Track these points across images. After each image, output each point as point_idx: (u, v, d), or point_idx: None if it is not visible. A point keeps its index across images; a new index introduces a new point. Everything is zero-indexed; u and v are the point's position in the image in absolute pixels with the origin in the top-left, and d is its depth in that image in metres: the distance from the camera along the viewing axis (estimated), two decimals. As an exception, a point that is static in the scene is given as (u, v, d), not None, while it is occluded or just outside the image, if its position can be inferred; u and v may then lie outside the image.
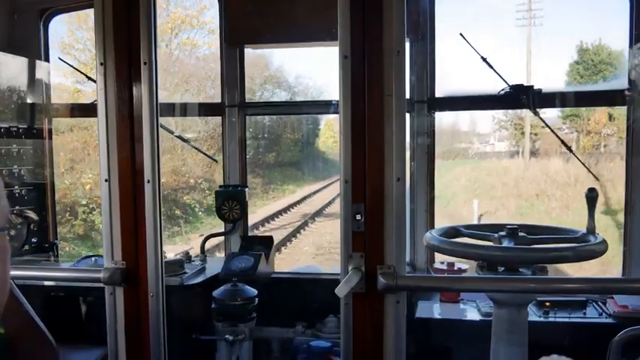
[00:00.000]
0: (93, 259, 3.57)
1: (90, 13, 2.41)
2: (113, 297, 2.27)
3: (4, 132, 3.77)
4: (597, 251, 2.41)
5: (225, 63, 3.95)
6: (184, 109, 4.83)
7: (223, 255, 4.07)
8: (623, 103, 3.47)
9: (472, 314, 3.26)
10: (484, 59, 3.64)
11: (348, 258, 2.08)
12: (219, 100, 3.99)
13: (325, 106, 4.19)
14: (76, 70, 4.07)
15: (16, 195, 3.80)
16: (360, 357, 2.13)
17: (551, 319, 3.12)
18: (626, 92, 3.37)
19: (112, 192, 2.28)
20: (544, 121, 3.95)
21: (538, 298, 3.15)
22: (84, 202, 12.12)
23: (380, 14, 2.08)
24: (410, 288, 2.14)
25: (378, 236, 2.08)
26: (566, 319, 3.11)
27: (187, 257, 3.63)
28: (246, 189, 3.82)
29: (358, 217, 2.08)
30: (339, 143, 2.14)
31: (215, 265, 3.61)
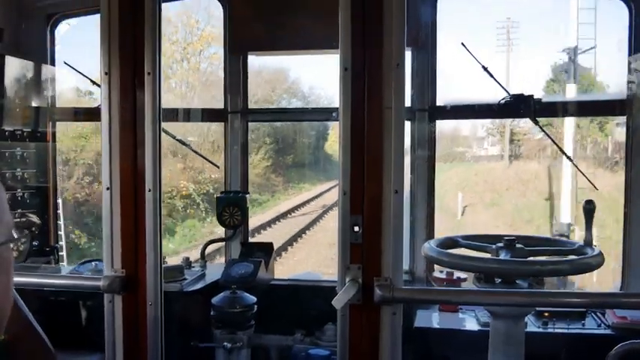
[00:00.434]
0: (93, 263, 3.59)
1: (96, 18, 2.44)
2: (112, 304, 2.29)
3: (9, 135, 3.80)
4: (594, 264, 2.41)
5: (228, 70, 3.98)
6: (187, 115, 4.87)
7: (223, 260, 4.09)
8: (622, 113, 3.48)
9: (471, 324, 3.27)
10: (485, 68, 3.65)
11: (346, 269, 2.09)
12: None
13: (326, 113, 4.21)
14: (82, 74, 4.10)
15: (19, 198, 3.83)
16: (356, 368, 2.14)
17: (549, 330, 3.12)
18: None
19: (114, 200, 2.30)
20: (544, 130, 3.95)
21: (537, 309, 3.16)
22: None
23: (380, 27, 2.10)
24: (406, 300, 2.15)
25: (376, 248, 2.09)
26: (565, 330, 3.12)
27: (187, 263, 3.65)
28: (247, 195, 3.84)
29: (356, 228, 2.10)
30: (338, 154, 2.16)
31: (215, 271, 3.63)
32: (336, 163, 2.19)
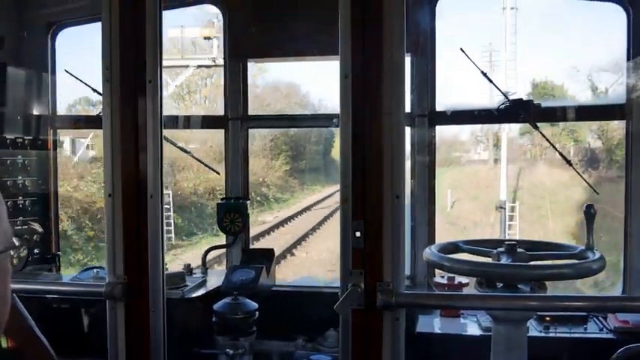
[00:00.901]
0: (95, 270, 3.59)
1: (96, 27, 2.46)
2: (114, 311, 2.29)
3: (10, 143, 3.81)
4: (595, 268, 2.42)
5: (228, 76, 4.00)
6: (188, 122, 4.88)
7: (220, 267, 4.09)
8: (622, 117, 3.49)
9: (472, 329, 3.26)
10: (484, 74, 3.68)
11: (348, 275, 2.10)
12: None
13: (326, 120, 4.23)
14: (83, 83, 4.12)
15: (20, 206, 3.83)
16: (359, 373, 2.14)
17: (551, 334, 3.12)
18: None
19: (116, 206, 2.31)
20: (544, 135, 3.97)
21: (539, 313, 3.16)
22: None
23: (380, 34, 2.11)
24: (408, 305, 2.16)
25: (378, 253, 2.10)
26: (567, 335, 3.11)
27: (189, 270, 3.65)
28: (248, 202, 3.85)
29: (358, 234, 2.10)
30: (339, 160, 2.17)
31: (216, 277, 3.63)
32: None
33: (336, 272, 2.14)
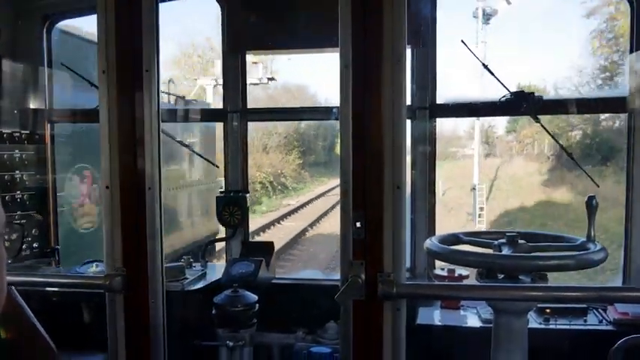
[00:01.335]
0: (94, 264, 3.58)
1: (94, 18, 2.43)
2: (114, 303, 2.28)
3: (7, 137, 3.78)
4: (596, 259, 2.41)
5: (227, 69, 3.97)
6: (187, 115, 4.86)
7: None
8: (624, 110, 3.47)
9: (473, 321, 3.26)
10: (485, 66, 3.65)
11: (349, 265, 2.09)
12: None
13: (325, 113, 4.21)
14: (79, 75, 4.08)
15: (18, 200, 3.81)
16: (359, 364, 2.13)
17: (551, 326, 3.11)
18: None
19: (114, 199, 2.29)
20: (545, 128, 3.95)
21: (538, 305, 3.15)
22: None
23: (380, 24, 2.09)
24: (409, 295, 2.15)
25: (378, 244, 2.09)
26: (567, 326, 3.11)
27: (188, 263, 3.64)
28: (247, 195, 3.83)
29: (358, 224, 2.09)
30: (339, 151, 2.15)
31: (215, 270, 3.63)
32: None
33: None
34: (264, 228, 15.94)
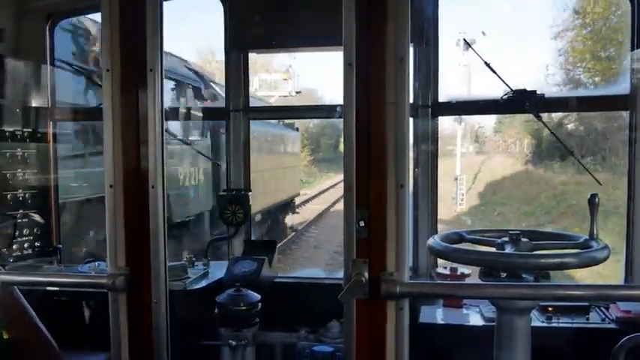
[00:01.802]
0: (96, 263, 3.59)
1: (96, 17, 2.44)
2: (117, 303, 2.28)
3: (9, 136, 3.79)
4: (599, 257, 2.41)
5: (230, 68, 3.97)
6: (189, 114, 4.86)
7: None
8: (625, 108, 3.47)
9: (475, 319, 3.26)
10: (487, 64, 3.65)
11: (352, 264, 2.09)
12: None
13: (328, 111, 4.21)
14: (82, 73, 4.09)
15: (20, 199, 3.82)
16: (362, 363, 2.13)
17: (554, 325, 3.12)
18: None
19: (117, 198, 2.29)
20: (546, 126, 3.96)
21: (541, 304, 3.15)
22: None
23: (384, 22, 2.09)
24: (412, 294, 2.14)
25: (381, 243, 2.09)
26: (569, 325, 3.11)
27: (190, 262, 3.64)
28: (250, 193, 3.83)
29: (362, 223, 2.09)
30: (343, 149, 2.15)
31: (218, 269, 3.63)
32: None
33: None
34: (298, 207, 19.28)
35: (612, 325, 3.08)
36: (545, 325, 3.11)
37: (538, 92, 3.45)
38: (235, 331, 3.17)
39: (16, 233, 3.69)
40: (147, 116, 2.27)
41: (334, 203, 22.18)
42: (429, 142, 3.66)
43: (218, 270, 3.62)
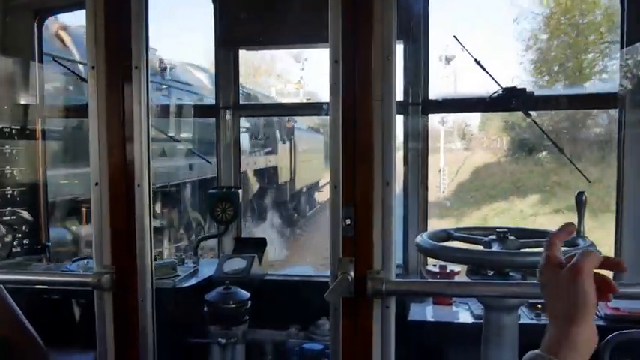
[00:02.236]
0: (85, 260, 3.58)
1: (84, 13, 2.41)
2: (102, 301, 2.26)
3: (-2, 133, 3.77)
4: (586, 255, 2.41)
5: (219, 65, 3.96)
6: (180, 111, 4.85)
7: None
8: (614, 106, 3.48)
9: (464, 316, 3.27)
10: (477, 62, 3.65)
11: (338, 262, 2.08)
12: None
13: (316, 108, 4.21)
14: (70, 70, 4.07)
15: (9, 196, 3.79)
16: (349, 361, 2.13)
17: (542, 321, 3.12)
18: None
19: (103, 195, 2.27)
20: (536, 124, 3.97)
21: (529, 300, 3.16)
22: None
23: (370, 19, 2.07)
24: (398, 293, 2.14)
25: (368, 241, 2.08)
26: None
27: (180, 259, 3.63)
28: (240, 190, 3.82)
29: (348, 221, 2.08)
30: (329, 148, 2.14)
31: (208, 267, 3.62)
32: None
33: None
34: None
35: (601, 322, 3.09)
36: (534, 321, 3.12)
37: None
38: (225, 329, 3.17)
39: (15, 243, 3.69)
40: (132, 114, 2.25)
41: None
42: (419, 139, 3.65)
43: (208, 268, 3.61)
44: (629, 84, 3.38)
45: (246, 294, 3.24)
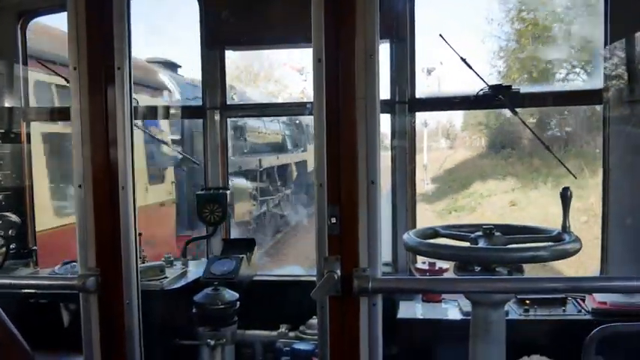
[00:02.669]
0: (72, 264, 3.54)
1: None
2: (88, 304, 2.25)
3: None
4: (571, 250, 2.44)
5: (205, 66, 3.94)
6: (167, 112, 4.82)
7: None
8: (599, 102, 3.51)
9: (453, 313, 3.28)
10: (463, 60, 3.66)
11: (324, 261, 2.08)
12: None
13: (300, 108, 4.21)
14: (54, 72, 4.04)
15: (-5, 201, 3.76)
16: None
17: (531, 317, 3.14)
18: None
19: (87, 198, 2.26)
20: (523, 121, 3.99)
21: (518, 296, 3.18)
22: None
23: (353, 18, 2.08)
24: (384, 290, 2.14)
25: (354, 239, 2.08)
26: (546, 317, 3.14)
27: (168, 261, 3.62)
28: (228, 192, 3.81)
29: (333, 220, 2.08)
30: (314, 147, 2.14)
31: (196, 268, 3.61)
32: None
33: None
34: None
35: (588, 316, 3.12)
36: (522, 317, 3.14)
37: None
38: (213, 331, 3.16)
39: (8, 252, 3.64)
40: (115, 115, 2.24)
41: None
42: (406, 138, 3.66)
43: (197, 269, 3.60)
44: (612, 81, 3.41)
45: (234, 295, 3.23)
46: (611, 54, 3.44)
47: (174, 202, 8.96)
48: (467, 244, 2.66)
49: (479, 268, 2.52)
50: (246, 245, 3.73)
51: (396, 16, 3.59)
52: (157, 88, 9.10)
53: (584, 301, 3.25)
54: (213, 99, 3.94)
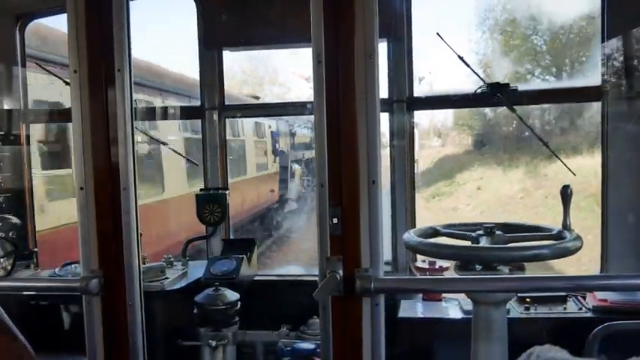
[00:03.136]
0: (73, 266, 3.54)
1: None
2: (90, 306, 2.25)
3: (-19, 139, 3.72)
4: (572, 248, 2.44)
5: (203, 66, 3.94)
6: (165, 113, 4.82)
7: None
8: (597, 99, 3.51)
9: (454, 312, 3.29)
10: (461, 58, 3.66)
11: (326, 261, 2.08)
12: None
13: (301, 108, 4.21)
14: (53, 74, 4.03)
15: (-5, 203, 3.75)
16: (339, 360, 2.14)
17: (532, 315, 3.15)
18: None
19: (88, 200, 2.26)
20: (521, 119, 3.99)
21: (518, 295, 3.19)
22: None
23: (352, 18, 2.08)
24: (387, 290, 2.15)
25: (355, 239, 2.09)
26: (547, 315, 3.15)
27: (169, 262, 3.61)
28: (227, 192, 3.81)
29: (335, 220, 2.09)
30: (314, 147, 2.14)
31: (197, 269, 3.60)
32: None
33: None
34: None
35: (589, 314, 3.13)
36: (523, 315, 3.15)
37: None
38: (215, 331, 3.16)
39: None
40: (116, 117, 2.24)
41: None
42: (404, 137, 3.66)
43: (197, 270, 3.60)
44: (611, 77, 3.41)
45: (235, 295, 3.23)
46: (608, 50, 3.44)
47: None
48: (467, 243, 2.67)
49: (480, 267, 2.53)
50: (246, 245, 3.73)
51: (393, 15, 3.59)
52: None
53: (584, 298, 3.26)
54: (211, 99, 3.94)
